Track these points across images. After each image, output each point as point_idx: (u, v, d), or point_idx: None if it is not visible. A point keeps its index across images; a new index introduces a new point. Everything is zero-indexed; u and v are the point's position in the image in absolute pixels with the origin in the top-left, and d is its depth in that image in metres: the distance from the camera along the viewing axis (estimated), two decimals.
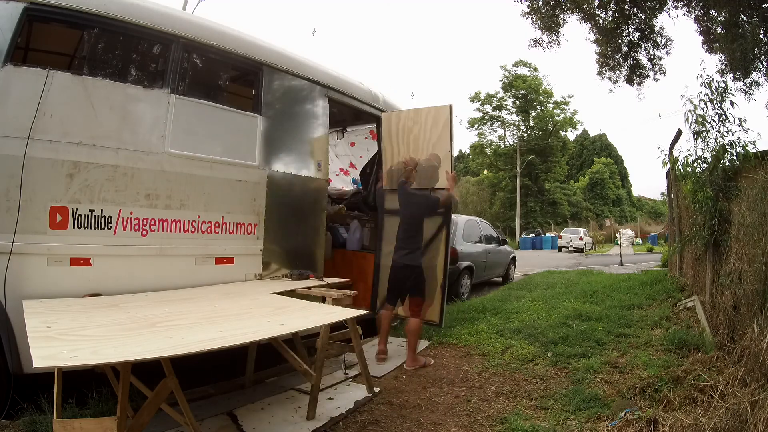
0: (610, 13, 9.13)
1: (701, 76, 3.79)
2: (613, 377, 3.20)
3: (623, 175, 47.70)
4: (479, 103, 37.04)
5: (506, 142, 38.53)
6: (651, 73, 9.63)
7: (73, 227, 2.60)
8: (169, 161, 2.98)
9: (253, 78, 3.60)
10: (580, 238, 25.70)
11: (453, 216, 7.48)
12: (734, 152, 3.63)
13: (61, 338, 1.70)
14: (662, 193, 12.25)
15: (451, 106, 4.21)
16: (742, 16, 7.60)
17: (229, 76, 3.63)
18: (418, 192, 4.01)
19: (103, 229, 2.71)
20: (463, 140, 50.01)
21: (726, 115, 3.70)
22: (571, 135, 40.64)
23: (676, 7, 8.74)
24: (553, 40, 9.66)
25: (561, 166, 39.49)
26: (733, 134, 3.64)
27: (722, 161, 3.74)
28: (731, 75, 8.24)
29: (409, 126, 4.46)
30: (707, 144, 3.84)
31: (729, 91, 3.76)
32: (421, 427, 2.62)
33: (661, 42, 9.31)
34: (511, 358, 3.75)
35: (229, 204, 3.31)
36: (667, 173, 6.33)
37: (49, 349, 1.56)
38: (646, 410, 2.46)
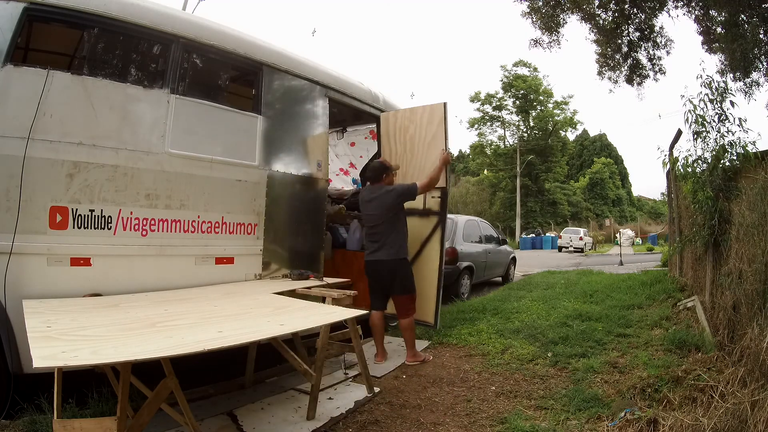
0: (610, 13, 9.15)
1: (701, 76, 3.79)
2: (613, 377, 3.19)
3: (623, 175, 47.74)
4: (479, 103, 37.14)
5: (506, 142, 38.57)
6: (651, 73, 9.65)
7: (73, 227, 2.60)
8: (169, 161, 2.98)
9: (253, 78, 3.60)
10: (580, 238, 25.71)
11: (453, 216, 7.53)
12: (734, 152, 3.63)
13: (61, 338, 1.70)
14: (662, 193, 12.25)
15: (445, 103, 4.19)
16: (742, 16, 7.60)
17: (229, 76, 3.62)
18: (378, 190, 3.87)
19: (103, 229, 2.71)
20: (463, 140, 50.15)
21: (726, 115, 3.70)
22: (571, 135, 40.79)
23: (676, 7, 8.76)
24: (553, 40, 9.68)
25: (561, 166, 39.52)
26: (733, 134, 3.64)
27: (722, 161, 3.74)
28: (731, 75, 8.25)
29: (405, 125, 4.45)
30: (707, 144, 3.84)
31: (729, 91, 3.76)
32: (421, 427, 2.61)
33: (661, 42, 9.32)
34: (511, 358, 3.75)
35: (229, 204, 3.31)
36: (667, 173, 6.33)
37: (49, 349, 1.56)
38: (646, 410, 2.46)
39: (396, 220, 3.80)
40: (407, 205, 3.94)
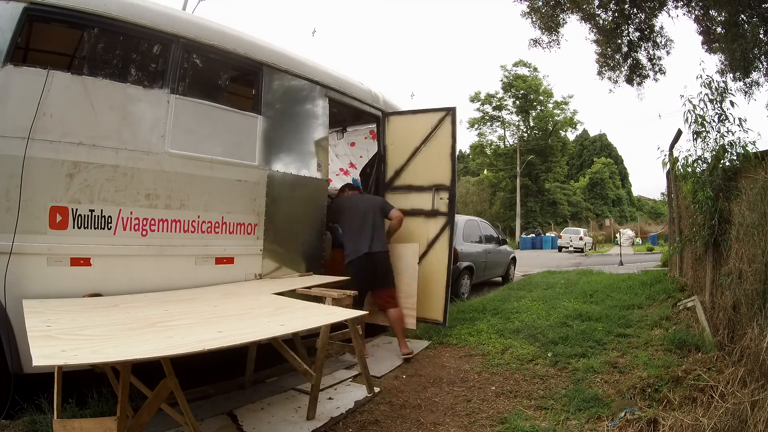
0: (610, 13, 9.15)
1: (701, 76, 3.79)
2: (613, 377, 3.19)
3: (623, 175, 47.74)
4: (479, 103, 37.15)
5: (506, 142, 38.58)
6: (651, 73, 9.65)
7: (73, 227, 2.60)
8: (169, 161, 2.98)
9: (253, 78, 3.60)
10: (580, 238, 25.71)
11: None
12: (734, 152, 3.63)
13: (61, 338, 1.70)
14: (662, 193, 12.26)
15: (454, 108, 4.23)
16: (742, 16, 7.60)
17: (229, 76, 3.62)
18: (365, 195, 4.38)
19: (103, 229, 2.71)
20: (463, 140, 50.14)
21: (726, 115, 3.70)
22: (571, 135, 40.83)
23: (676, 7, 8.76)
24: (553, 40, 9.68)
25: (561, 166, 39.53)
26: (733, 134, 3.64)
27: (722, 161, 3.74)
28: (731, 75, 8.25)
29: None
30: (707, 144, 3.84)
31: (729, 91, 3.76)
32: (421, 427, 2.62)
33: (661, 42, 9.33)
34: (511, 358, 3.75)
35: (229, 204, 3.30)
36: (667, 173, 6.33)
37: (49, 348, 1.55)
38: (646, 410, 2.46)
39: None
40: (414, 204, 4.34)
